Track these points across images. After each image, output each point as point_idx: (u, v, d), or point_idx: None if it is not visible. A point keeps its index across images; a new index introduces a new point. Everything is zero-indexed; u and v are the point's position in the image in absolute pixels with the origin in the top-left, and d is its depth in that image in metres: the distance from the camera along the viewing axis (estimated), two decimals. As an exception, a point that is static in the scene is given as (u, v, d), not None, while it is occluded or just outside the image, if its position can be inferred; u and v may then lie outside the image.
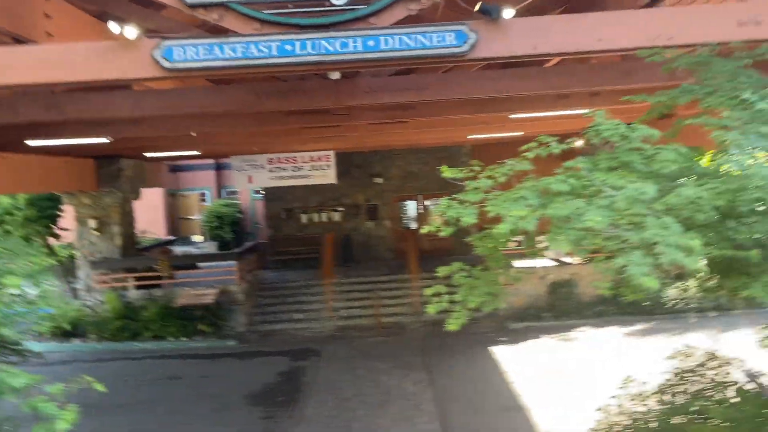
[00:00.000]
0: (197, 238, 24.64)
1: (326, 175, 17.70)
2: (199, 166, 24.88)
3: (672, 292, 14.34)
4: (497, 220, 3.20)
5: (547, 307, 14.64)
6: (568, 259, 15.41)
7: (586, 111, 3.88)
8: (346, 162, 19.27)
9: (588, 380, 10.45)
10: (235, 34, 4.95)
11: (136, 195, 16.36)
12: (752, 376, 3.63)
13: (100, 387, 3.63)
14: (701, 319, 13.68)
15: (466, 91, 8.11)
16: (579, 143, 17.54)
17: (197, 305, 14.34)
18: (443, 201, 3.69)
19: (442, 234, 3.95)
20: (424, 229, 4.09)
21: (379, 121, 10.79)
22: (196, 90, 8.44)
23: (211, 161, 24.79)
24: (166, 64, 4.85)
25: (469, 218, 3.19)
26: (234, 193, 25.18)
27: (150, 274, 15.28)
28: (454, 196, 3.76)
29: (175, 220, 24.84)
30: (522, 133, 13.78)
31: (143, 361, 13.25)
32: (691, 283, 14.67)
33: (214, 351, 13.77)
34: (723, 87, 3.84)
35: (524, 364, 11.60)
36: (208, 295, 14.56)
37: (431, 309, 3.74)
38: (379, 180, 19.36)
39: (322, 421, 9.46)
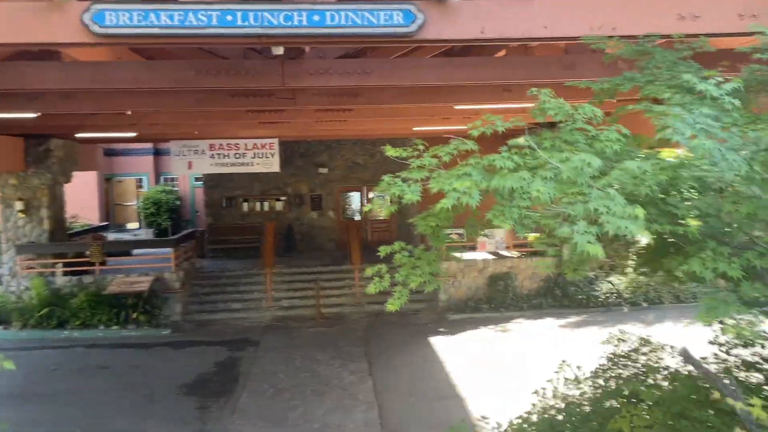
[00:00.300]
0: (132, 225, 23.83)
1: (270, 163, 17.40)
2: (137, 151, 24.02)
3: (605, 287, 14.78)
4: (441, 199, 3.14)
5: (485, 299, 14.82)
6: (506, 253, 15.65)
7: (530, 99, 3.85)
8: (290, 151, 19.02)
9: (524, 370, 10.61)
10: (173, 1, 4.72)
11: (67, 177, 15.62)
12: (687, 357, 3.70)
13: (9, 365, 3.37)
14: (632, 312, 14.15)
15: (412, 78, 8.04)
16: (521, 139, 17.84)
17: (130, 293, 13.81)
18: (386, 178, 3.59)
19: (383, 214, 3.88)
20: (366, 208, 4.02)
21: (324, 107, 10.64)
22: (131, 65, 8.08)
23: (149, 146, 23.97)
24: (97, 29, 4.57)
25: (412, 195, 3.11)
26: (173, 179, 24.47)
27: (80, 259, 14.64)
28: (398, 174, 3.68)
29: (110, 206, 23.92)
30: (467, 127, 13.86)
31: (71, 350, 12.67)
32: (623, 278, 15.20)
33: (148, 340, 13.31)
34: (662, 75, 3.89)
35: (462, 354, 11.69)
36: (141, 283, 14.05)
37: (372, 289, 3.66)
38: (324, 170, 19.18)
39: (257, 412, 9.25)
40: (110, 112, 9.21)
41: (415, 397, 9.76)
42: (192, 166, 17.42)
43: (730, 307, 2.36)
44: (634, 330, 12.71)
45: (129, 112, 8.82)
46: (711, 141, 2.30)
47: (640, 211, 2.11)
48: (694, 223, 2.60)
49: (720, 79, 2.85)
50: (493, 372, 10.63)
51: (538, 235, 15.33)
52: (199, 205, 22.80)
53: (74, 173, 16.37)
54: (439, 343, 12.53)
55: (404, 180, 3.56)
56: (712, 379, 3.13)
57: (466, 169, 3.11)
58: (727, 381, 3.20)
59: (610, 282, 14.92)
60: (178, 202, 23.24)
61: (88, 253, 14.59)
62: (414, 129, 13.61)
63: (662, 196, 2.55)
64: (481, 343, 12.49)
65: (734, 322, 2.56)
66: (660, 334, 10.90)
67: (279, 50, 6.62)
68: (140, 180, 24.47)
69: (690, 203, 2.57)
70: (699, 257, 2.35)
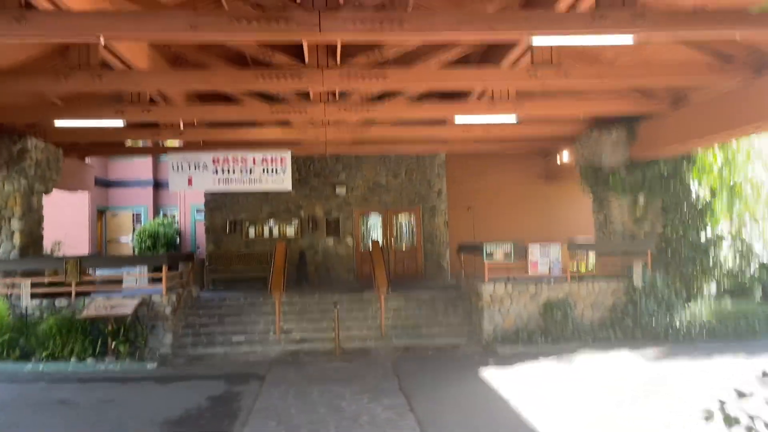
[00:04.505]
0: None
1: (281, 180, 15.24)
2: (135, 183, 22.06)
3: (685, 315, 12.23)
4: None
5: (539, 330, 12.23)
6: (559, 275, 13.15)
7: None
8: (304, 170, 16.97)
9: (610, 406, 8.09)
10: None
11: (47, 187, 13.44)
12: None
13: None
14: (721, 344, 11.55)
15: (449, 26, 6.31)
16: (566, 157, 15.52)
17: (110, 317, 11.35)
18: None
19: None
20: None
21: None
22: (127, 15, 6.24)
23: (148, 177, 22.03)
24: None
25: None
26: (173, 216, 22.29)
27: (53, 280, 12.28)
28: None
29: (103, 241, 21.65)
30: (514, 118, 11.72)
31: (31, 385, 10.12)
32: (704, 304, 12.65)
33: (128, 375, 10.76)
34: None
35: (524, 390, 9.09)
36: (124, 306, 11.60)
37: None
38: (342, 191, 16.95)
39: (263, 453, 6.68)
40: (78, 39, 7.08)
41: (477, 435, 7.17)
42: (192, 182, 15.25)
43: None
44: (735, 362, 10.18)
45: (102, 41, 6.71)
46: None
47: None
48: None
49: None
50: (570, 409, 8.05)
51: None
52: (201, 240, 20.53)
53: (62, 196, 14.29)
54: (492, 377, 9.92)
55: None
56: None
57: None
58: None
59: (690, 311, 12.35)
60: (177, 237, 20.98)
61: (62, 272, 12.20)
62: (456, 119, 11.40)
63: None
64: (545, 378, 9.88)
65: None
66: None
67: None
68: (137, 214, 22.31)
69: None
70: None
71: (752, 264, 13.54)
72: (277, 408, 8.42)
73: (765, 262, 13.65)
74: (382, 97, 11.72)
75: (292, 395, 9.07)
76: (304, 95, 11.20)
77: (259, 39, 7.26)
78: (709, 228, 13.12)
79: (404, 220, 17.46)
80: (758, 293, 13.56)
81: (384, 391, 9.17)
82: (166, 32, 6.51)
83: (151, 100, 11.50)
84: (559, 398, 8.60)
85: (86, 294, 12.31)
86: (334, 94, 11.11)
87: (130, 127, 12.37)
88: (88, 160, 17.60)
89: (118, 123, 11.00)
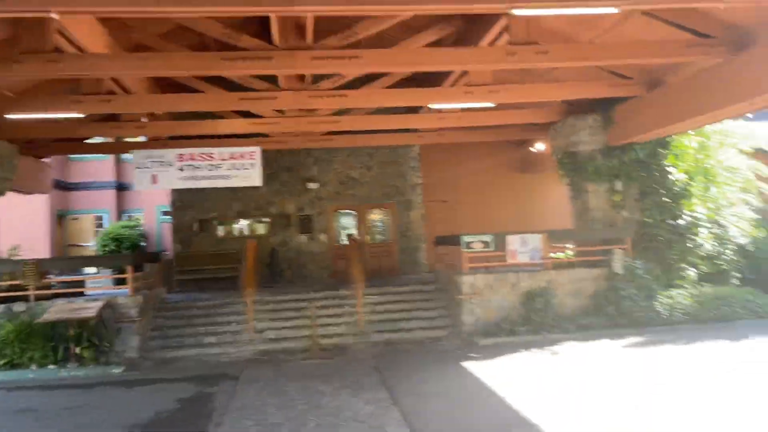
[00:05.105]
0: (90, 268, 20.61)
1: (250, 176, 14.72)
2: (96, 185, 21.19)
3: (666, 301, 12.11)
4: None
5: (521, 321, 11.98)
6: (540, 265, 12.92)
7: None
8: (275, 165, 16.46)
9: (603, 394, 7.87)
10: None
11: (1, 188, 12.68)
12: None
13: None
14: (705, 329, 11.45)
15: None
16: (541, 147, 15.34)
17: (72, 320, 10.72)
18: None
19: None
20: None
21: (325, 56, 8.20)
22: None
23: (110, 179, 21.20)
24: None
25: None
26: (137, 221, 21.46)
27: (10, 283, 11.59)
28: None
29: (64, 247, 20.75)
30: (493, 105, 11.45)
31: (-14, 395, 9.46)
32: (685, 291, 12.56)
33: (93, 380, 10.16)
34: None
35: (510, 380, 8.79)
36: (88, 309, 10.98)
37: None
38: (314, 186, 16.50)
39: (240, 453, 6.23)
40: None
41: (466, 426, 6.83)
42: (157, 180, 14.63)
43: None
44: (715, 347, 10.06)
45: (55, 16, 6.19)
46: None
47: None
48: None
49: None
50: (561, 398, 7.77)
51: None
52: (167, 243, 19.83)
53: (19, 199, 13.53)
54: (476, 369, 9.61)
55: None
56: None
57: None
58: None
59: (670, 296, 12.22)
60: (142, 240, 20.22)
61: (21, 275, 11.53)
62: (429, 106, 11.10)
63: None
64: (530, 368, 9.61)
65: None
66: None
67: None
68: (100, 218, 21.45)
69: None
70: None
71: (728, 248, 13.52)
72: (253, 407, 7.97)
73: (741, 244, 13.66)
74: (355, 84, 11.35)
75: (268, 394, 8.62)
76: (273, 81, 10.75)
77: (225, 12, 6.78)
78: (686, 213, 13.05)
79: (379, 214, 17.10)
80: (735, 277, 13.53)
81: (365, 386, 8.80)
82: (126, 6, 6.00)
83: (111, 93, 10.91)
84: (542, 387, 8.33)
85: (46, 298, 11.63)
86: (304, 80, 10.70)
87: (90, 120, 11.75)
88: (46, 160, 16.82)
89: (76, 114, 10.39)
